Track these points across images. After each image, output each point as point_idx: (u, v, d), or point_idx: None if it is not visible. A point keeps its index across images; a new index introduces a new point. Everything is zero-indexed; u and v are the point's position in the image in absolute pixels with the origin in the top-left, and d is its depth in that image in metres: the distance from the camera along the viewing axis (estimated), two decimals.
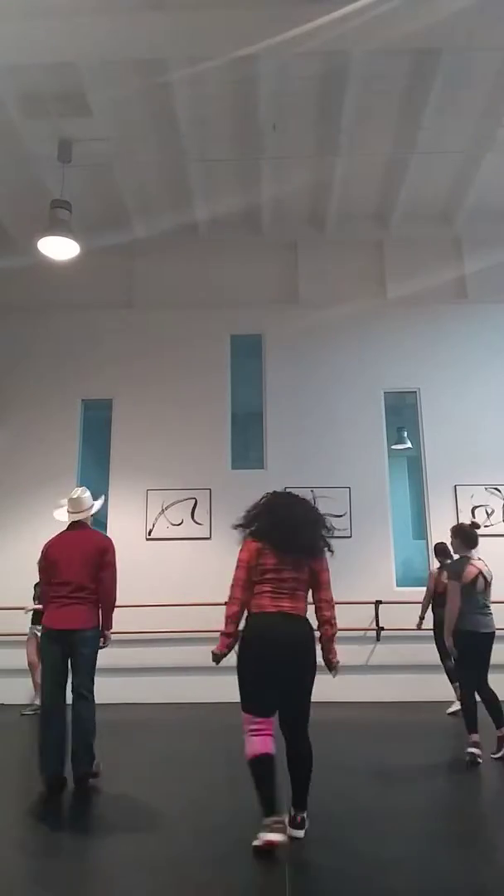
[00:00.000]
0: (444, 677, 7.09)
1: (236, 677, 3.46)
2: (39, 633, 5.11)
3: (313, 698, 3.46)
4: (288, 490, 3.91)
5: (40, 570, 4.77)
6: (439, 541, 7.55)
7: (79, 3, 5.51)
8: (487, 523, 8.56)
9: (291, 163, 7.93)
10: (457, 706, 6.87)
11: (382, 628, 8.21)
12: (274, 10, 5.54)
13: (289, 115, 7.16)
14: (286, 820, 3.36)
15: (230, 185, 8.34)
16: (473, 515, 8.57)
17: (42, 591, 4.80)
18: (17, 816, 4.06)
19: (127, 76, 6.43)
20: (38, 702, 6.86)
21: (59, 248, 7.37)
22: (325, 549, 3.66)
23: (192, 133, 7.31)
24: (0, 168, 7.74)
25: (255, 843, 3.18)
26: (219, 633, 3.56)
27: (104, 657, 4.83)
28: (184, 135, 7.27)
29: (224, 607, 3.62)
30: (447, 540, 5.90)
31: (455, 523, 6.85)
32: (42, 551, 4.74)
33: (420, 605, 7.40)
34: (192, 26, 5.70)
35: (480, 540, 5.48)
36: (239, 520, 3.69)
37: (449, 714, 6.98)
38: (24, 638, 7.84)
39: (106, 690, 7.70)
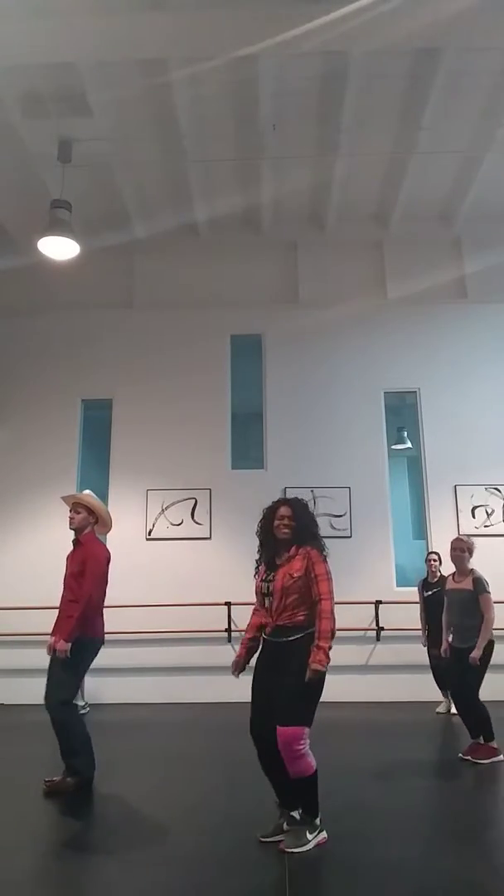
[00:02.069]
0: None
1: (309, 693, 3.39)
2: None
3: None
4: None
5: (101, 577, 4.61)
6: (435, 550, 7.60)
7: (79, 3, 5.50)
8: (487, 523, 8.57)
9: (291, 163, 7.92)
10: (448, 707, 7.00)
11: (382, 628, 8.21)
12: (274, 10, 5.52)
13: (289, 115, 7.15)
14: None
15: (230, 185, 8.33)
16: (473, 515, 8.59)
17: (98, 599, 4.58)
18: (19, 815, 4.06)
19: (127, 76, 6.42)
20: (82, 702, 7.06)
21: (59, 248, 7.36)
22: None
23: (192, 133, 7.30)
24: (0, 168, 7.74)
25: (320, 841, 3.40)
26: (327, 648, 3.41)
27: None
28: (184, 135, 7.26)
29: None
30: (446, 551, 5.82)
31: (459, 534, 6.86)
32: (106, 558, 4.72)
33: (420, 621, 7.38)
34: (192, 26, 5.69)
35: (482, 540, 5.55)
36: (322, 540, 3.74)
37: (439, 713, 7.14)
38: (26, 637, 7.86)
39: (106, 690, 7.80)
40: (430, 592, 7.19)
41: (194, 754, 5.61)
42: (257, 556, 3.81)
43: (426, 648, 7.21)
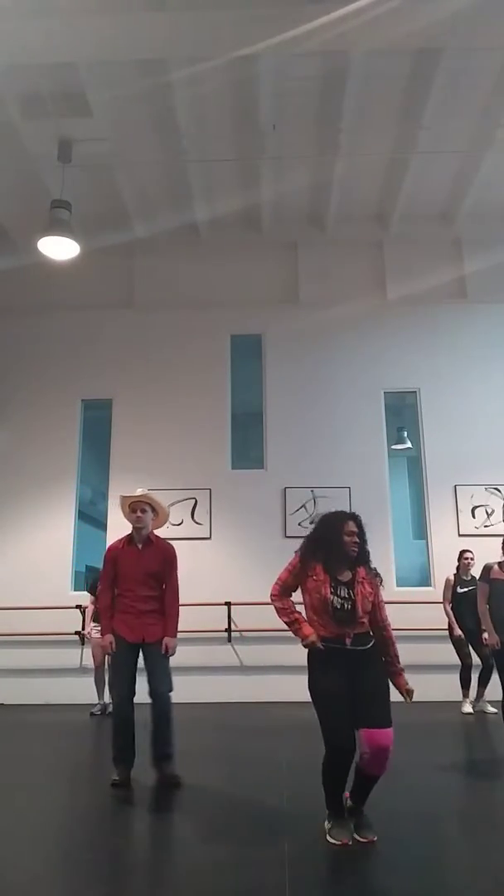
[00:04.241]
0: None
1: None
2: None
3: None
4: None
5: None
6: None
7: (79, 3, 5.51)
8: (487, 523, 8.56)
9: (291, 163, 7.93)
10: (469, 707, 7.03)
11: None
12: (274, 10, 5.53)
13: (289, 115, 7.16)
14: None
15: (230, 185, 8.34)
16: (473, 515, 8.58)
17: None
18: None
19: (127, 76, 6.42)
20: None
21: (59, 248, 7.37)
22: None
23: (191, 133, 7.30)
24: (0, 168, 7.74)
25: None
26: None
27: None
28: (184, 135, 7.27)
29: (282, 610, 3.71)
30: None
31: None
32: None
33: (450, 617, 7.32)
34: (192, 26, 5.69)
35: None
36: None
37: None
38: (26, 637, 7.86)
39: (106, 691, 7.75)
40: (465, 589, 7.18)
41: (193, 754, 5.60)
42: (305, 553, 3.64)
43: (456, 645, 7.14)
